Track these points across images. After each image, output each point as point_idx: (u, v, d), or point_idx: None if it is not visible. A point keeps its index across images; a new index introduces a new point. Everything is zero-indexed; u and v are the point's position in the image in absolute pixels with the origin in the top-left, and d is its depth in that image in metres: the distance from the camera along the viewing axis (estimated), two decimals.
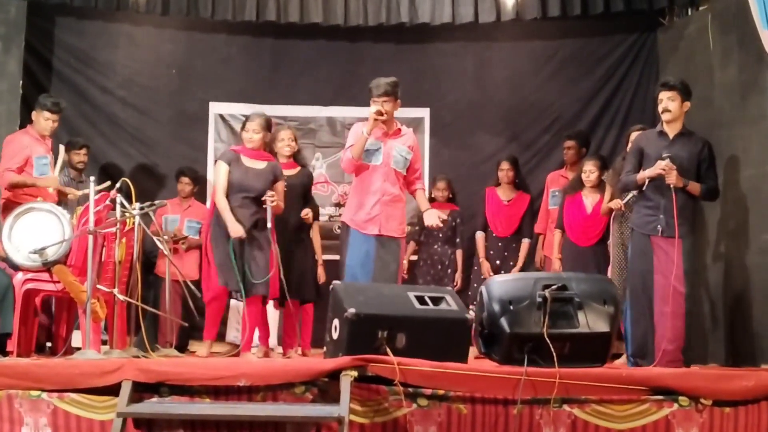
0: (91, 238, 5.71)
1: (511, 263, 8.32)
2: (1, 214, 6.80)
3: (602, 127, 9.02)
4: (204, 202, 8.72)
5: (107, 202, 6.18)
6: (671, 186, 6.14)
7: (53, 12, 8.79)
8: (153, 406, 4.47)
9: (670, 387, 4.67)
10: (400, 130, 6.70)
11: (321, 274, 7.65)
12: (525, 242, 8.36)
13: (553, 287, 5.06)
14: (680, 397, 4.64)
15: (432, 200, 8.48)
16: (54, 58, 8.83)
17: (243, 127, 6.80)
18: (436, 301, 5.13)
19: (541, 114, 9.15)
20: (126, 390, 4.43)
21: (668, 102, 6.31)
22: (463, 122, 9.27)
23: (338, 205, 9.05)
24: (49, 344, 6.97)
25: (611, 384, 4.64)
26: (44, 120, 7.16)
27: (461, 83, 9.30)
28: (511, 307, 5.03)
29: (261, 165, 6.66)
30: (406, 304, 5.03)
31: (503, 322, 5.01)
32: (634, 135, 7.18)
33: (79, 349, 5.96)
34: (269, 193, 6.49)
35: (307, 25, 8.84)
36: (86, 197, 6.29)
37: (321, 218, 8.08)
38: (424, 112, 9.21)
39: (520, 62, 9.30)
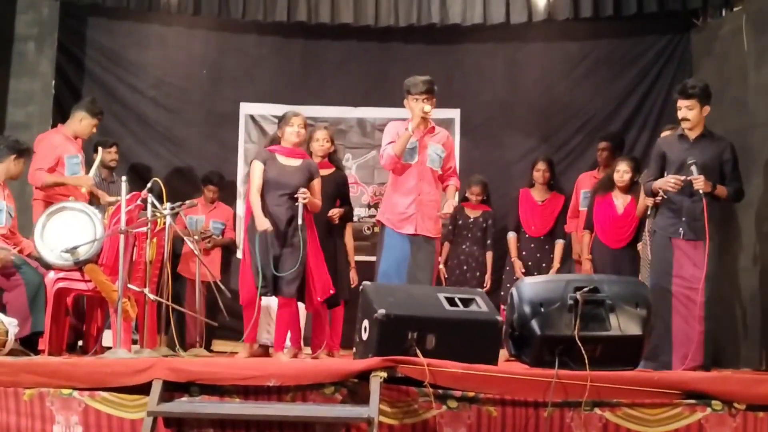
0: (122, 237, 5.74)
1: (544, 264, 8.21)
2: (34, 213, 6.86)
3: (635, 129, 8.96)
4: (229, 203, 8.76)
5: (138, 201, 6.20)
6: (701, 191, 6.08)
7: (85, 12, 8.86)
8: (183, 405, 4.48)
9: (703, 391, 4.63)
10: (434, 128, 6.72)
11: (354, 277, 7.55)
12: (559, 243, 8.25)
13: (585, 289, 5.02)
14: (713, 401, 4.59)
15: (465, 200, 8.46)
16: (86, 58, 8.89)
17: (286, 124, 6.58)
18: (466, 302, 5.10)
19: (574, 115, 9.10)
20: (156, 389, 4.44)
21: (686, 111, 6.25)
22: (494, 123, 9.24)
23: (369, 206, 9.07)
24: (80, 343, 7.00)
25: (643, 387, 4.60)
26: (91, 127, 7.24)
27: (492, 84, 9.27)
28: (542, 309, 4.99)
29: (296, 162, 6.56)
30: (436, 306, 5.01)
31: (534, 324, 4.98)
32: (664, 134, 7.14)
33: (110, 348, 5.99)
34: (301, 189, 6.39)
35: (338, 26, 8.85)
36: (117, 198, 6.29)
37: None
38: (454, 113, 9.19)
39: (551, 63, 9.25)
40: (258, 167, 6.52)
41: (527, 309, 5.03)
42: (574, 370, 4.69)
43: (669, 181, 6.18)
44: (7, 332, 5.56)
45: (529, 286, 5.18)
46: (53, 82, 8.21)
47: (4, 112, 8.01)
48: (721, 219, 6.42)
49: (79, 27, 8.82)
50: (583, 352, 4.74)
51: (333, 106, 9.13)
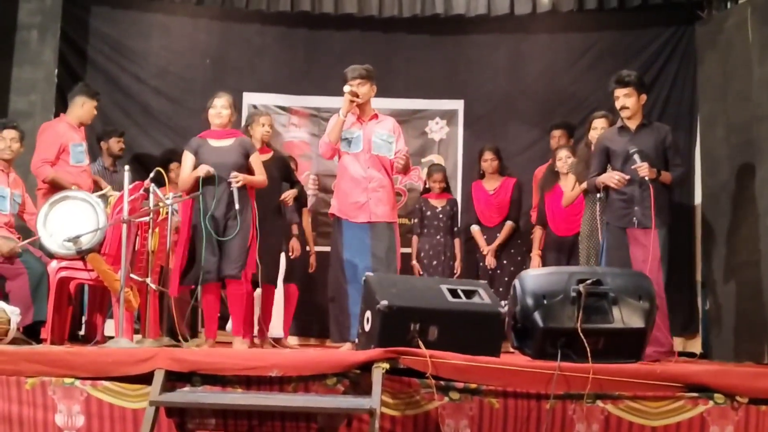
0: (125, 227, 5.74)
1: (512, 250, 8.26)
2: (38, 202, 6.85)
3: None
4: None
5: (141, 191, 6.20)
6: (646, 178, 6.16)
7: (89, 1, 8.84)
8: (185, 395, 4.48)
9: (706, 384, 4.63)
10: (377, 115, 6.74)
11: (312, 263, 7.79)
12: (508, 224, 8.26)
13: (588, 282, 5.02)
14: (716, 395, 4.61)
15: (427, 191, 8.46)
16: (89, 47, 8.86)
17: (209, 106, 6.64)
18: (469, 294, 5.10)
19: (577, 107, 9.06)
20: (159, 379, 4.44)
21: (625, 99, 6.37)
22: (497, 114, 9.22)
23: None
24: (81, 333, 7.01)
25: (645, 380, 4.61)
26: (91, 108, 7.24)
27: (496, 75, 9.25)
28: (545, 302, 4.99)
29: (228, 142, 6.56)
30: (438, 297, 5.01)
31: (537, 316, 4.97)
32: (596, 122, 7.22)
33: (112, 337, 5.99)
34: (233, 174, 6.34)
35: (342, 16, 8.84)
36: (120, 186, 6.28)
37: None
38: (458, 104, 9.18)
39: (555, 55, 9.23)
40: (187, 158, 6.53)
41: (530, 301, 5.03)
42: (576, 363, 4.68)
43: (613, 177, 6.30)
44: (9, 321, 5.55)
45: (532, 278, 5.17)
46: (56, 71, 8.19)
47: (7, 101, 7.98)
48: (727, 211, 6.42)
49: (82, 16, 8.79)
50: (586, 344, 4.73)
51: (336, 96, 9.08)
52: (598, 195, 6.70)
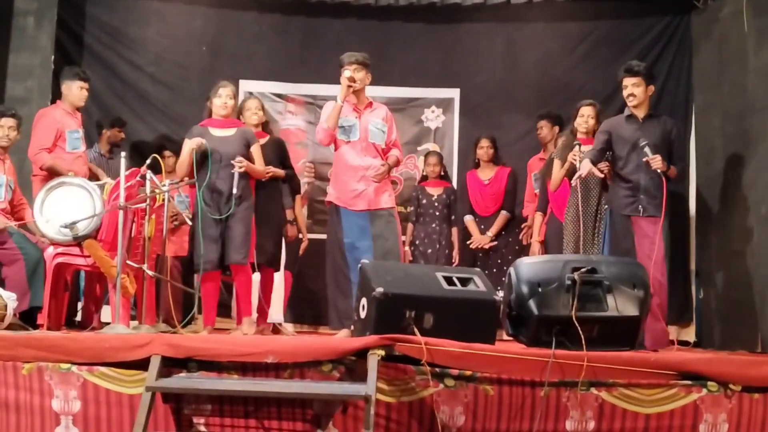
0: (121, 213, 5.75)
1: (510, 239, 8.29)
2: (33, 188, 6.86)
3: None
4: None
5: (137, 178, 6.20)
6: (658, 170, 6.22)
7: None
8: (181, 381, 4.51)
9: (699, 372, 4.67)
10: (372, 103, 6.75)
11: (303, 248, 7.80)
12: (503, 214, 8.28)
13: (583, 270, 5.04)
14: (709, 383, 4.65)
15: (424, 178, 8.47)
16: (85, 34, 8.84)
17: (214, 95, 6.73)
18: (464, 281, 5.12)
19: (573, 96, 8.99)
20: (155, 365, 4.46)
21: (633, 88, 6.44)
22: (493, 103, 9.21)
23: None
24: (77, 319, 7.02)
25: (640, 368, 4.64)
26: (78, 90, 7.16)
27: (492, 64, 9.23)
28: (540, 290, 5.02)
29: (230, 132, 6.67)
30: (434, 285, 5.03)
31: (531, 304, 5.01)
32: (583, 110, 7.24)
33: (108, 323, 6.01)
34: (237, 158, 6.47)
35: (338, 4, 8.84)
36: (117, 173, 6.28)
37: None
38: (454, 93, 9.17)
39: (551, 43, 9.21)
40: (188, 145, 6.61)
41: (525, 289, 5.06)
42: (570, 350, 4.72)
43: (587, 168, 6.35)
44: (6, 306, 5.58)
45: (527, 266, 5.20)
46: (53, 57, 8.17)
47: (4, 87, 7.97)
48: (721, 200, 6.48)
49: (78, 2, 8.76)
50: (580, 332, 4.77)
51: (332, 84, 9.07)
52: (577, 182, 6.73)
